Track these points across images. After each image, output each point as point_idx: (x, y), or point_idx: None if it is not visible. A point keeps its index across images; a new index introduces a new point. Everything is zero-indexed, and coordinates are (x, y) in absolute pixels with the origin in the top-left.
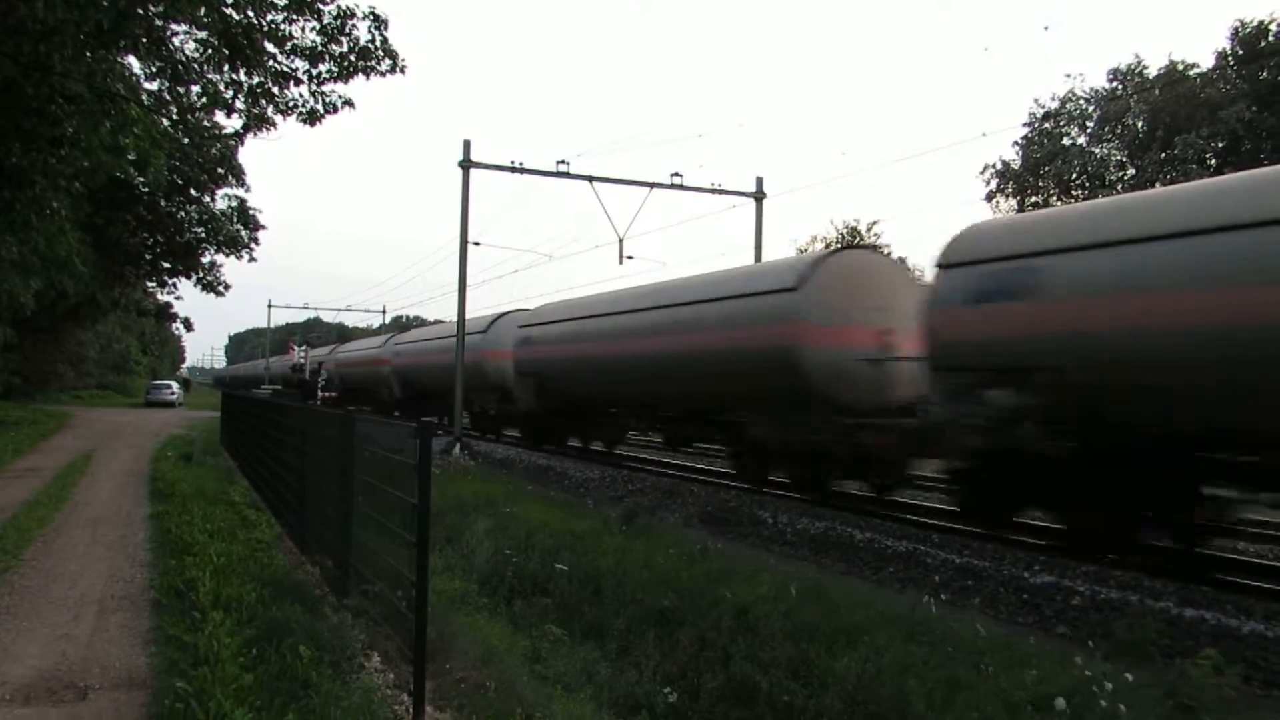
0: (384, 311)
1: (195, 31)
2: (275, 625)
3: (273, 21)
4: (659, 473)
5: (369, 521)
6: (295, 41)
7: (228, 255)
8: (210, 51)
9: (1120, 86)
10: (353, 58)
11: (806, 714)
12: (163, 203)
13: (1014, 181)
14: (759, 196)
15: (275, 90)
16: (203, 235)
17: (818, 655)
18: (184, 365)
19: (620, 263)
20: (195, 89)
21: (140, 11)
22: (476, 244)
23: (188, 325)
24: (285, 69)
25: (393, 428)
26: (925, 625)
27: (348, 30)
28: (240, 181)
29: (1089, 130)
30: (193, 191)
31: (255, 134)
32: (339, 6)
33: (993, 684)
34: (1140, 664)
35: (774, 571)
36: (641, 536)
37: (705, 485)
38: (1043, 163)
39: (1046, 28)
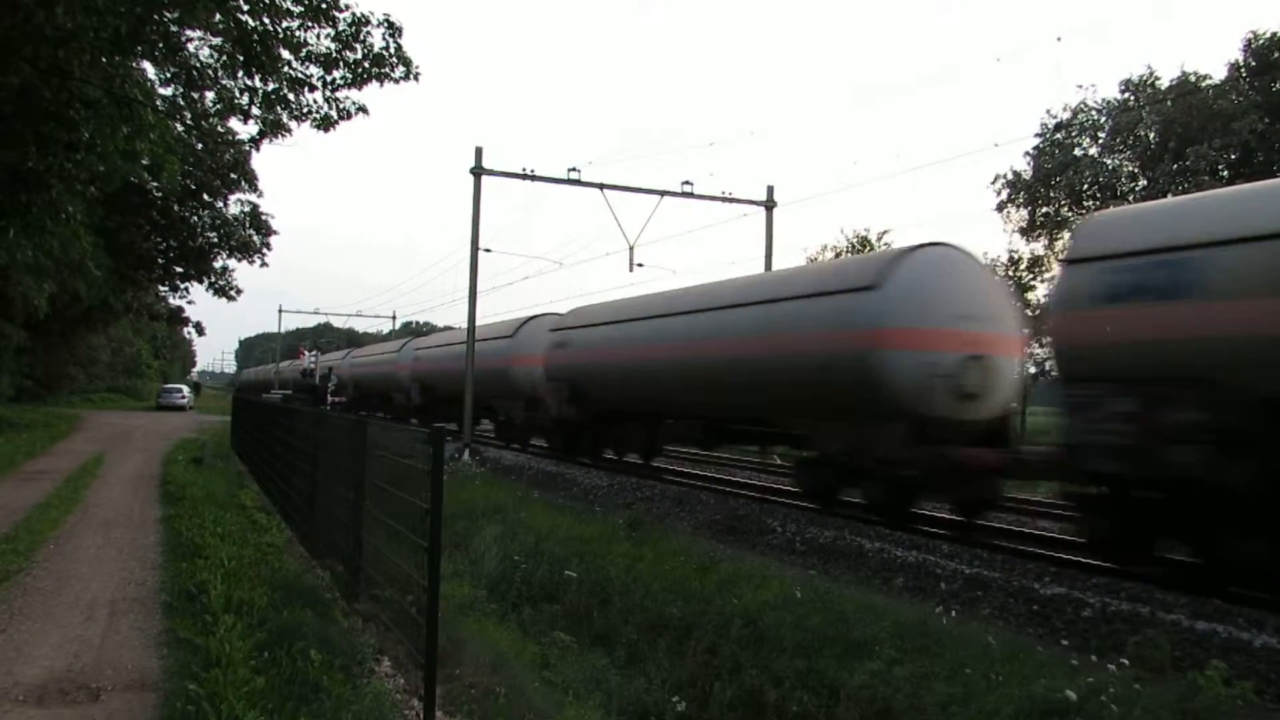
0: (394, 317)
1: (210, 38)
2: (286, 629)
3: (288, 28)
4: (668, 481)
5: (380, 526)
6: (310, 48)
7: (239, 260)
8: (225, 58)
9: (1132, 97)
10: (367, 64)
11: None
12: (176, 207)
13: (1025, 192)
14: (769, 205)
15: (290, 96)
16: (215, 240)
17: (828, 665)
18: (195, 369)
19: (630, 270)
20: (210, 95)
21: (157, 17)
22: (488, 250)
23: (199, 329)
24: (300, 75)
25: (405, 433)
26: (936, 636)
27: (362, 37)
28: (253, 187)
29: (1101, 141)
30: (206, 196)
31: (270, 140)
32: (354, 14)
33: (1004, 694)
34: (1153, 676)
35: (783, 580)
36: (650, 544)
37: (714, 493)
38: (1054, 173)
39: (1059, 38)
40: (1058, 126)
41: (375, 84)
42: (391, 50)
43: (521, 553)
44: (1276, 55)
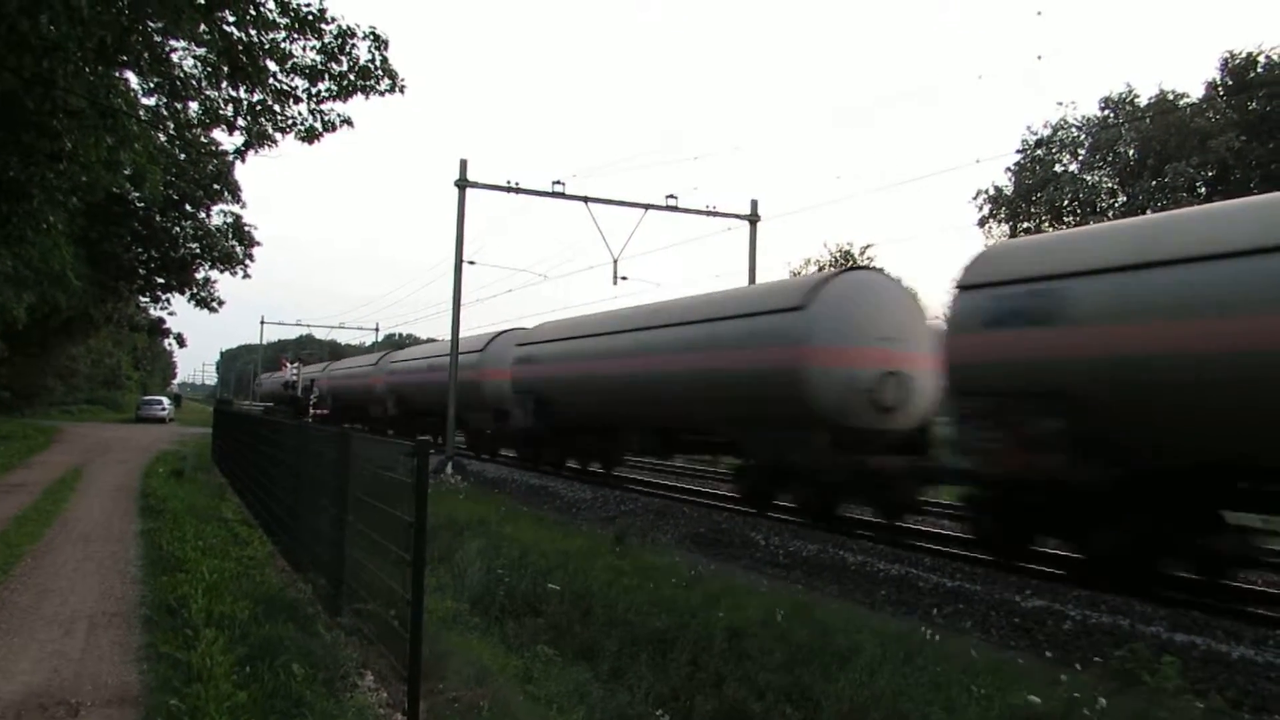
0: (377, 329)
1: (195, 48)
2: (268, 643)
3: (274, 40)
4: (651, 493)
5: (363, 539)
6: (296, 60)
7: (222, 271)
8: (210, 69)
9: (1112, 115)
10: (352, 77)
11: None
12: (158, 218)
13: (1006, 207)
14: (753, 219)
15: (275, 108)
16: (197, 251)
17: (812, 677)
18: (175, 381)
19: (614, 283)
20: (193, 105)
21: (142, 28)
22: (471, 263)
23: (180, 341)
24: (285, 87)
25: (388, 446)
26: (918, 648)
27: (348, 50)
28: (236, 198)
29: (1081, 157)
30: (188, 207)
31: (255, 151)
32: (340, 26)
33: (985, 705)
34: (1130, 687)
35: (766, 593)
36: (633, 557)
37: (697, 506)
38: (1035, 189)
39: (1040, 57)
40: (1038, 143)
41: (360, 96)
42: (377, 63)
43: (505, 566)
44: (1252, 74)
